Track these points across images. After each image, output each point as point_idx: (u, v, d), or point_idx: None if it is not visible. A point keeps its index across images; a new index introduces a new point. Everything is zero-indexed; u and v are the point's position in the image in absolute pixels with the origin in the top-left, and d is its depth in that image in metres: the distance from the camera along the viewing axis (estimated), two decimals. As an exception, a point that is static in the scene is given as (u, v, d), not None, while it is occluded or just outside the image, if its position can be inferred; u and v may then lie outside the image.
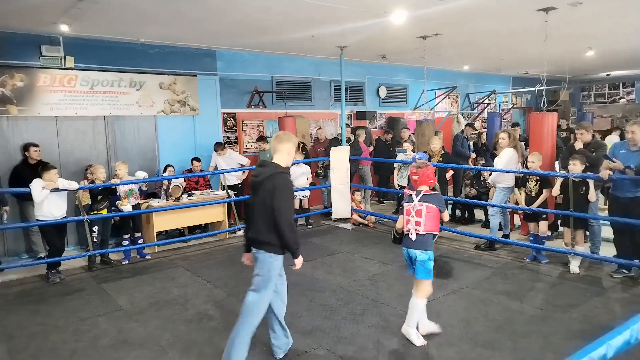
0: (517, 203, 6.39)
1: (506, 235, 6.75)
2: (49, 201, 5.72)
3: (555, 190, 5.75)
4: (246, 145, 9.29)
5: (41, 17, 5.90)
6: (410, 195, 3.88)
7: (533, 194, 6.04)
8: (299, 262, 3.56)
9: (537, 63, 10.57)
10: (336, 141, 9.11)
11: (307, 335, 4.12)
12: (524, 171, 6.23)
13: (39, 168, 5.87)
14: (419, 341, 3.87)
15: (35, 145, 6.62)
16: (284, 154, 3.55)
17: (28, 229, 6.58)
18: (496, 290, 5.07)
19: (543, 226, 6.02)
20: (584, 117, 13.11)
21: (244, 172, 8.30)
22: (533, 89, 11.79)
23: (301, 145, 9.17)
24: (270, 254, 3.42)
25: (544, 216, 6.00)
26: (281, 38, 7.61)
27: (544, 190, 5.94)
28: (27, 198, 5.90)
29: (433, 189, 3.91)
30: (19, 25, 6.31)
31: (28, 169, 6.39)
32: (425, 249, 3.77)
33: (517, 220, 7.56)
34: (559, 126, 8.72)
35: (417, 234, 3.77)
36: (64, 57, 7.02)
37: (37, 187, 5.58)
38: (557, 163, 7.21)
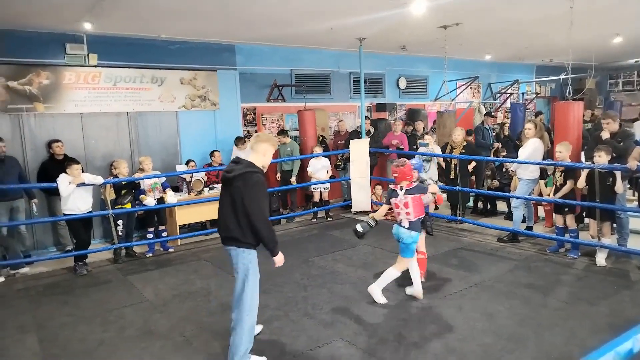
0: (541, 194, 6.26)
1: (530, 228, 6.63)
2: (75, 196, 5.87)
3: (581, 182, 5.61)
4: (266, 139, 9.32)
5: (65, 15, 6.02)
6: (395, 190, 4.52)
7: (558, 184, 5.92)
8: (278, 259, 3.51)
9: (562, 51, 10.31)
10: (356, 134, 9.07)
11: (327, 326, 4.14)
12: (547, 162, 6.10)
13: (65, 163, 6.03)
14: (382, 300, 4.57)
15: (58, 141, 6.78)
16: (259, 154, 3.52)
17: (56, 222, 6.77)
18: (520, 283, 5.00)
19: (570, 219, 5.87)
20: (612, 105, 12.70)
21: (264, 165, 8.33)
22: (558, 77, 11.46)
23: (320, 138, 9.17)
24: (242, 249, 3.42)
25: (566, 209, 5.86)
26: (300, 31, 7.60)
27: (567, 181, 5.81)
28: (55, 193, 6.06)
29: (413, 182, 4.56)
30: (44, 24, 6.46)
31: (55, 164, 6.56)
32: (415, 231, 4.43)
33: (541, 212, 7.42)
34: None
35: (409, 221, 4.42)
36: (88, 55, 7.16)
37: (63, 181, 5.73)
38: (582, 153, 7.03)
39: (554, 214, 6.26)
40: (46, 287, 5.59)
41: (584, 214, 6.22)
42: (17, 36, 6.60)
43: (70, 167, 5.82)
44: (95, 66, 7.22)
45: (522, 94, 14.10)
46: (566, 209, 5.85)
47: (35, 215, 6.54)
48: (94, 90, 7.24)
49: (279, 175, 8.60)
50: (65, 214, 5.98)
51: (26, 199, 6.47)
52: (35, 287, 5.61)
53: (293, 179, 8.36)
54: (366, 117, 9.64)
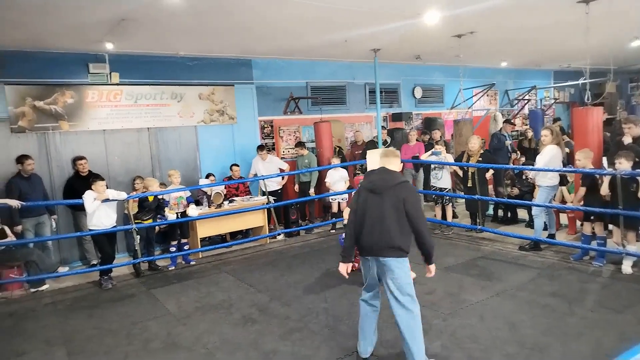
0: (563, 201, 6.17)
1: (552, 235, 6.53)
2: (100, 211, 6.02)
3: (604, 189, 5.51)
4: (283, 152, 9.43)
5: (88, 36, 6.24)
6: None
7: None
8: (433, 267, 3.57)
9: (579, 56, 10.21)
10: (372, 144, 9.09)
11: (349, 338, 4.14)
12: (565, 169, 6.02)
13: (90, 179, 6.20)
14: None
15: (82, 158, 6.97)
16: (393, 165, 3.72)
17: (81, 237, 6.94)
18: (543, 292, 4.93)
19: (599, 227, 5.73)
20: (634, 109, 12.43)
21: (283, 177, 8.43)
22: (576, 82, 11.35)
23: (337, 149, 9.22)
24: (402, 259, 3.43)
25: (592, 217, 5.76)
26: (315, 43, 7.70)
27: (582, 186, 5.73)
28: (80, 208, 6.22)
29: None
30: (68, 45, 6.69)
31: (80, 181, 6.74)
32: None
33: (563, 219, 7.30)
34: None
35: None
36: (110, 74, 7.38)
37: (89, 198, 5.89)
38: (605, 159, 6.92)
39: (582, 222, 6.12)
40: (73, 301, 5.72)
41: (607, 221, 6.10)
42: (43, 57, 6.85)
43: (96, 184, 5.98)
44: (117, 84, 7.43)
45: (540, 100, 13.95)
46: (592, 217, 5.75)
47: (54, 232, 6.72)
48: (115, 108, 7.45)
49: (297, 186, 8.66)
50: (90, 229, 6.13)
51: (49, 215, 6.66)
52: (62, 301, 5.75)
53: (311, 190, 8.41)
54: (382, 127, 9.66)
